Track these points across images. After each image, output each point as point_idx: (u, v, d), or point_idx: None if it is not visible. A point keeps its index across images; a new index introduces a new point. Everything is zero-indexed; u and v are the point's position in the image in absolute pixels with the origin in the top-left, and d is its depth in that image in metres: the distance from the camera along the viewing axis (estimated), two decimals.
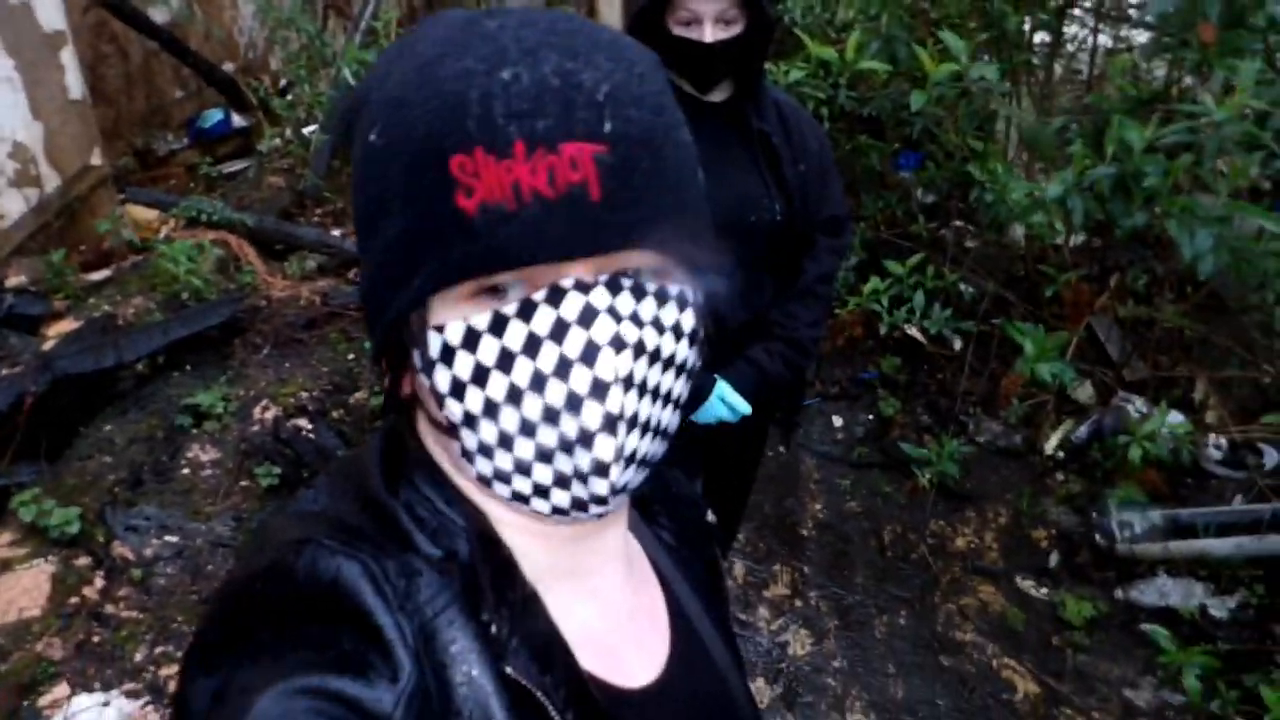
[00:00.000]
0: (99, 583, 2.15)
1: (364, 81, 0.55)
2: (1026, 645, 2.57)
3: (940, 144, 3.35)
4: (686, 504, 0.78)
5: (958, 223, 3.78)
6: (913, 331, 3.52)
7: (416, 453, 0.58)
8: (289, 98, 4.85)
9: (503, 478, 0.54)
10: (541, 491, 0.54)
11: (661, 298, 0.53)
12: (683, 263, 0.54)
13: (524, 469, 0.53)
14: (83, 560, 2.16)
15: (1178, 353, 3.13)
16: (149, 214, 4.13)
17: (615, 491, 0.53)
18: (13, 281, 3.38)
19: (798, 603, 2.73)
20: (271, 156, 4.59)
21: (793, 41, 3.34)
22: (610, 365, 0.50)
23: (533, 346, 0.50)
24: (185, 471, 2.59)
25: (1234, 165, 1.95)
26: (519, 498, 0.54)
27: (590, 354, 0.50)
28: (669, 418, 0.57)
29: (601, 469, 0.51)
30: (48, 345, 2.96)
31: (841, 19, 3.73)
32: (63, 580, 2.10)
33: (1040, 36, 3.27)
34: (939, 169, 3.45)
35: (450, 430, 0.54)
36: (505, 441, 0.52)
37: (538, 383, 0.50)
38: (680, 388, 0.57)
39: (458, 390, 0.52)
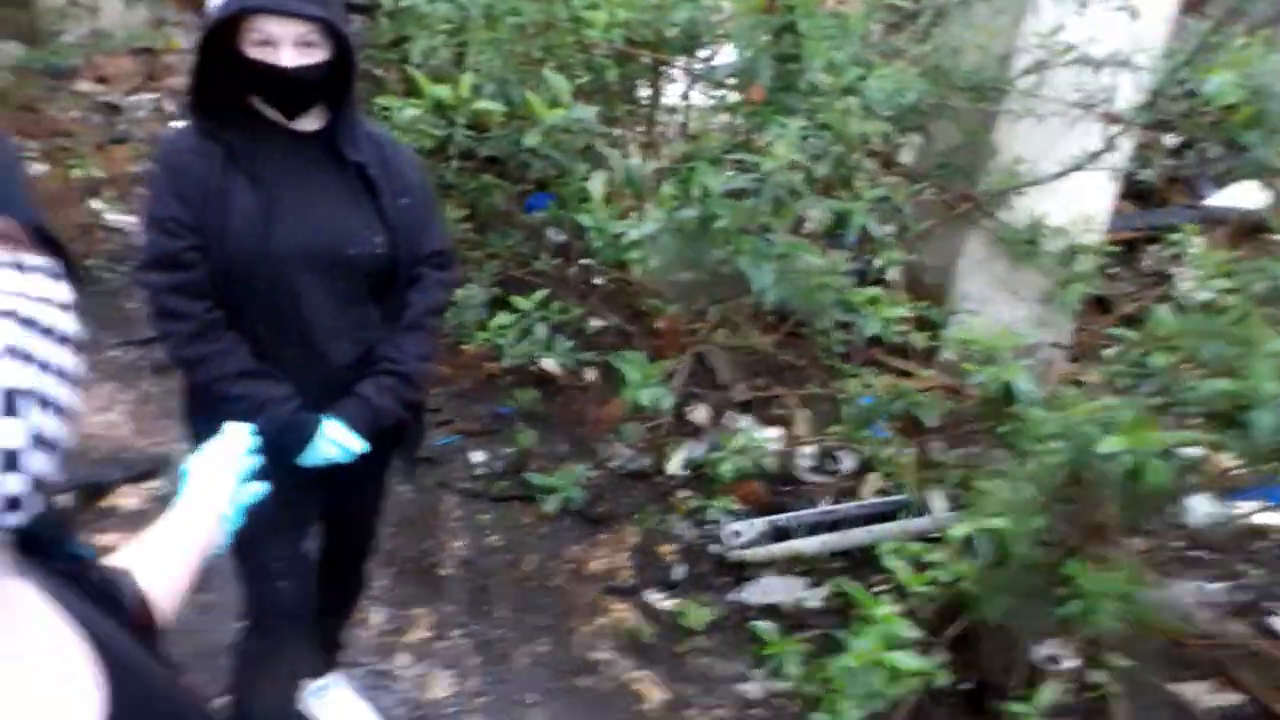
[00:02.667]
0: None
1: None
2: (656, 656, 2.73)
3: (559, 185, 3.53)
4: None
5: (584, 260, 3.99)
6: (547, 364, 3.65)
7: None
8: None
9: None
10: None
11: (23, 267, 0.51)
12: (33, 233, 0.53)
13: None
14: None
15: (772, 375, 3.54)
16: None
17: (35, 488, 0.49)
18: None
19: (439, 644, 2.68)
20: None
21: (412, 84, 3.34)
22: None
23: None
24: None
25: (785, 209, 2.24)
26: None
27: None
28: (64, 404, 0.53)
29: (10, 461, 0.47)
30: None
31: (469, 62, 3.81)
32: None
33: (643, 90, 3.57)
34: (563, 209, 3.62)
35: None
36: None
37: None
38: (70, 368, 0.54)
39: None
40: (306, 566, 1.92)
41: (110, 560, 0.91)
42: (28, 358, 0.49)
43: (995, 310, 3.31)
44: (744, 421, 3.48)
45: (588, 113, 2.47)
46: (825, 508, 3.15)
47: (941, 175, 3.39)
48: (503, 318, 3.08)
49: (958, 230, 3.43)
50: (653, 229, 2.34)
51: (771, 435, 3.20)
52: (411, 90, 3.45)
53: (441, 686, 2.53)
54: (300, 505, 1.80)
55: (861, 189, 2.75)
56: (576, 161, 2.99)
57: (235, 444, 1.16)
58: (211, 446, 1.15)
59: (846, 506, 3.06)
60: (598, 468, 3.39)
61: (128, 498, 2.99)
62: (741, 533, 3.03)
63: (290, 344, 1.68)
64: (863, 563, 2.96)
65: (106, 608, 0.70)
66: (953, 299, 3.43)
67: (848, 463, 3.43)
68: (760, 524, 3.05)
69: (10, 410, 0.47)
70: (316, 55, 1.54)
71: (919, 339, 2.61)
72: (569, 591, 2.93)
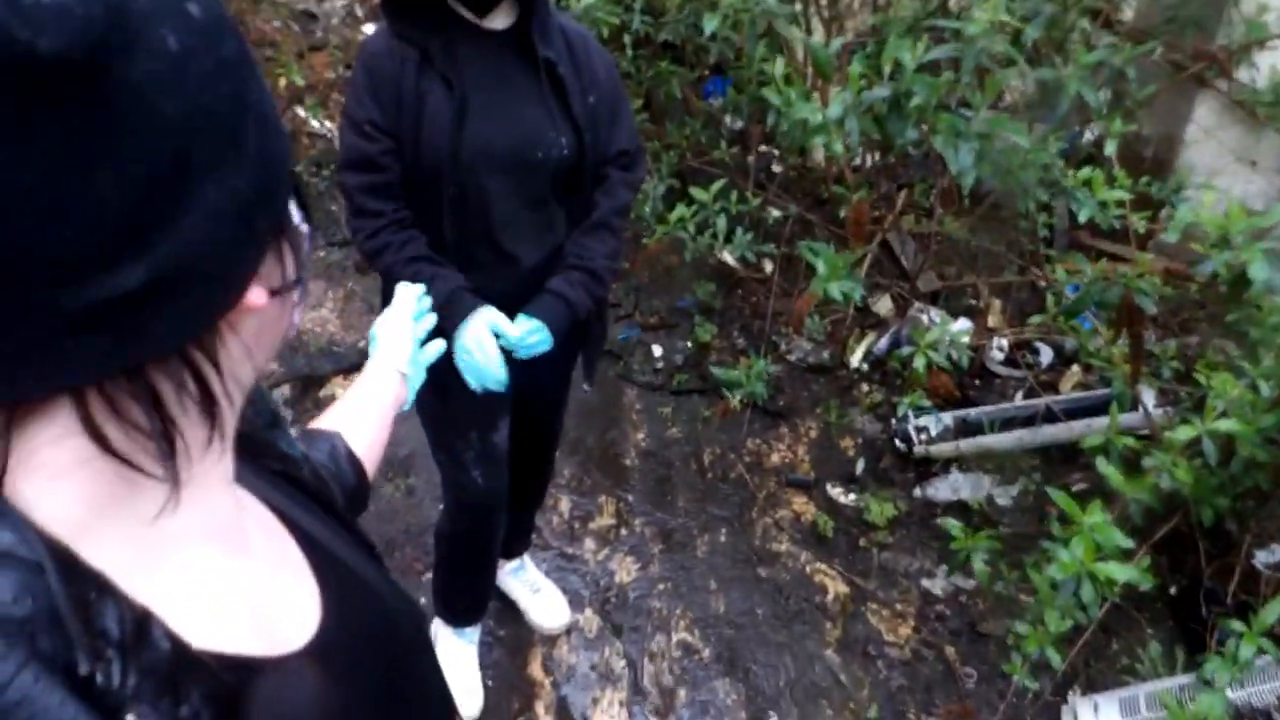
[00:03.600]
0: None
1: None
2: (836, 549, 2.71)
3: (739, 68, 3.39)
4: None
5: (762, 148, 3.85)
6: (725, 257, 3.59)
7: None
8: None
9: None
10: None
11: None
12: None
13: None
14: None
15: (962, 263, 3.33)
16: None
17: None
18: None
19: (623, 532, 2.77)
20: None
21: None
22: None
23: None
24: None
25: (989, 80, 2.04)
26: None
27: None
28: None
29: None
30: None
31: None
32: None
33: None
34: (741, 94, 3.48)
35: (299, 279, 0.56)
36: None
37: None
38: None
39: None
40: (500, 456, 1.99)
41: (314, 424, 0.97)
42: None
43: (1228, 184, 2.94)
44: (932, 313, 3.31)
45: None
46: (1019, 403, 2.98)
47: (1170, 30, 2.99)
48: (681, 210, 3.03)
49: (1186, 95, 3.05)
50: (840, 111, 2.20)
51: (962, 327, 3.03)
52: None
53: (626, 571, 2.63)
54: (491, 398, 1.83)
55: (1077, 53, 2.47)
56: (757, 44, 2.85)
57: (406, 304, 1.20)
58: (389, 311, 1.19)
59: (1042, 401, 2.88)
60: (778, 361, 3.34)
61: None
62: (928, 427, 2.92)
63: (480, 245, 1.69)
64: (1059, 461, 2.80)
65: (319, 506, 0.72)
66: (1178, 173, 3.07)
67: (1045, 356, 3.22)
68: (948, 419, 2.93)
69: None
70: None
71: (1138, 220, 2.36)
72: (749, 483, 2.94)
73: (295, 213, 0.54)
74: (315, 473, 0.77)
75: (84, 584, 0.46)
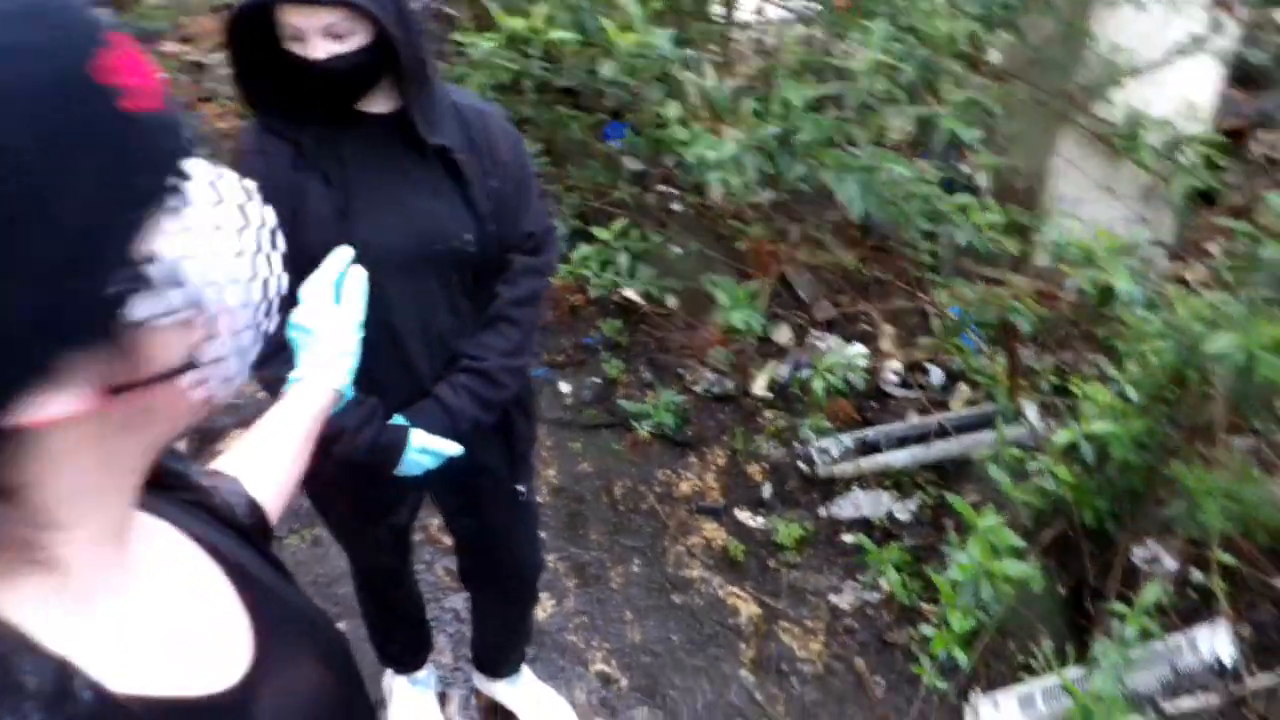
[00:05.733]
0: None
1: None
2: (747, 572, 2.77)
3: (637, 112, 3.49)
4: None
5: (661, 187, 3.96)
6: (629, 294, 3.66)
7: None
8: None
9: (236, 372, 0.55)
10: (241, 369, 0.55)
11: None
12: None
13: (244, 349, 0.54)
14: None
15: (855, 291, 3.48)
16: None
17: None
18: None
19: None
20: None
21: (484, 15, 3.33)
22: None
23: (216, 224, 0.51)
24: None
25: (869, 119, 2.18)
26: (226, 387, 0.54)
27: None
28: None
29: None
30: None
31: None
32: None
33: (717, 8, 3.48)
34: (640, 137, 3.58)
35: (190, 362, 0.51)
36: (236, 322, 0.53)
37: (239, 248, 0.53)
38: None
39: (200, 299, 0.50)
40: (400, 536, 1.93)
41: (219, 463, 0.92)
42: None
43: (1091, 211, 3.17)
44: (829, 340, 3.45)
45: (663, 38, 2.42)
46: (913, 421, 3.11)
47: (1034, 72, 3.23)
48: (584, 249, 3.10)
49: (1050, 130, 3.28)
50: (735, 149, 2.31)
51: (857, 351, 3.17)
52: (484, 24, 3.45)
53: (541, 609, 2.63)
54: (393, 488, 1.68)
55: (948, 93, 2.65)
56: (653, 88, 2.95)
57: (330, 272, 1.12)
58: (309, 284, 1.10)
59: (935, 418, 3.02)
60: (684, 392, 3.41)
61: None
62: (829, 449, 3.02)
63: (380, 355, 1.41)
64: (952, 475, 2.94)
65: (232, 530, 0.72)
66: (1046, 203, 3.30)
67: (935, 376, 3.38)
68: (848, 440, 3.04)
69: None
70: (352, 42, 1.33)
71: (1011, 245, 2.53)
72: (660, 513, 2.98)
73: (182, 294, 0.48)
74: (225, 501, 0.76)
75: (3, 644, 0.45)
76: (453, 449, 1.54)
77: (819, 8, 3.04)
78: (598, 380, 3.53)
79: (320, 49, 1.32)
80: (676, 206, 4.20)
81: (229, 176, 0.53)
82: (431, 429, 1.55)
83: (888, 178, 2.45)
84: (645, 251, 3.30)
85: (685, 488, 3.10)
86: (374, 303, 1.27)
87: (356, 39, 1.33)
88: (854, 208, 2.33)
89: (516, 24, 2.92)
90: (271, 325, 0.56)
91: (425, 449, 1.53)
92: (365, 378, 1.28)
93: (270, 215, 0.56)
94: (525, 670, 2.32)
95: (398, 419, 1.56)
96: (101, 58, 0.42)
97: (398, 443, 1.52)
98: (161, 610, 0.56)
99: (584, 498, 3.05)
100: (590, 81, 3.42)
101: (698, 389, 3.45)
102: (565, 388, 3.52)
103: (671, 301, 3.79)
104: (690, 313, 3.57)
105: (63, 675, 0.46)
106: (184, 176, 0.48)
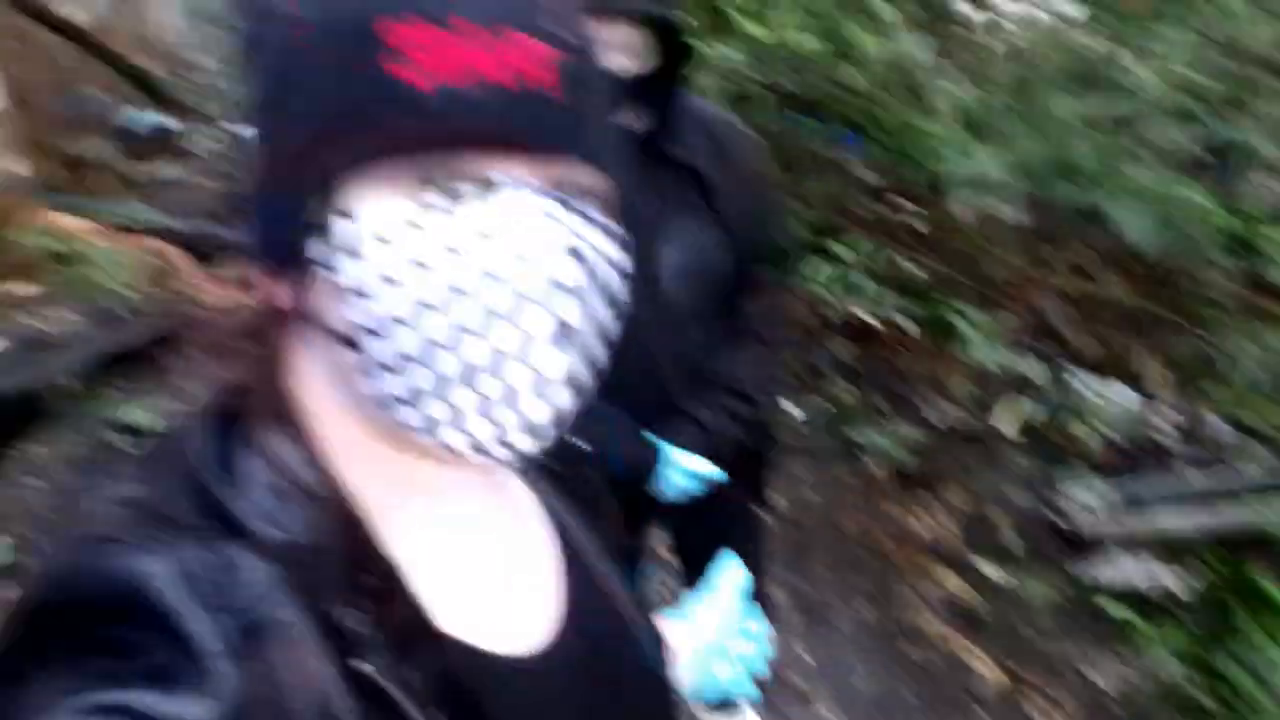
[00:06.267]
0: None
1: None
2: (989, 630, 2.55)
3: (880, 122, 3.32)
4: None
5: (902, 201, 3.75)
6: (863, 315, 3.49)
7: (274, 398, 0.51)
8: (220, 97, 4.70)
9: (412, 398, 0.47)
10: (457, 418, 0.47)
11: (608, 231, 0.51)
12: (613, 188, 0.52)
13: (440, 388, 0.46)
14: (16, 593, 2.05)
15: (1124, 326, 3.13)
16: (78, 223, 3.98)
17: (554, 423, 0.49)
18: None
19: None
20: (200, 158, 4.45)
21: (723, 21, 3.28)
22: (569, 272, 0.47)
23: (472, 242, 0.46)
24: None
25: (1168, 138, 1.93)
26: (428, 426, 0.48)
27: (541, 255, 0.46)
28: (601, 360, 0.52)
29: (545, 387, 0.47)
30: None
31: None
32: None
33: (966, 8, 3.24)
34: (881, 147, 3.41)
35: (355, 341, 0.47)
36: (424, 353, 0.46)
37: (476, 283, 0.45)
38: (613, 331, 0.52)
39: (373, 289, 0.46)
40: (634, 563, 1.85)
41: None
42: (582, 300, 0.48)
43: None
44: (1089, 378, 3.12)
45: (918, 46, 2.26)
46: (1192, 480, 2.75)
47: None
48: (822, 267, 2.97)
49: None
50: (997, 169, 2.11)
51: (1126, 396, 2.84)
52: (718, 26, 3.39)
53: None
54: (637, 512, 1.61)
55: (1256, 108, 2.31)
56: (902, 96, 2.78)
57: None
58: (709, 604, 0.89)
59: (1222, 479, 2.65)
60: (920, 424, 3.21)
61: None
62: (1089, 503, 2.73)
63: (626, 364, 1.42)
64: (1245, 547, 2.56)
65: (583, 507, 0.71)
66: None
67: (1221, 429, 2.98)
68: (1111, 494, 2.74)
69: (559, 342, 0.47)
70: (638, 60, 1.33)
71: None
72: (891, 553, 2.81)
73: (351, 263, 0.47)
74: (586, 477, 0.75)
75: (352, 527, 0.50)
76: (715, 473, 1.49)
77: (1087, 9, 2.75)
78: (827, 405, 3.39)
79: (611, 63, 1.31)
80: (917, 223, 3.97)
81: (542, 239, 0.47)
82: (691, 450, 1.49)
83: (1179, 204, 2.17)
84: (885, 271, 3.13)
85: (919, 528, 2.90)
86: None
87: (640, 57, 1.32)
88: (1135, 236, 2.07)
89: (760, 32, 2.83)
90: (513, 419, 0.49)
91: (686, 470, 1.48)
92: (608, 385, 1.23)
93: (570, 312, 0.48)
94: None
95: (667, 443, 1.51)
96: (392, 25, 0.45)
97: (653, 461, 1.48)
98: (489, 555, 0.58)
99: (810, 528, 2.93)
100: (833, 90, 3.29)
101: (936, 422, 3.23)
102: (793, 411, 3.41)
103: (910, 326, 3.59)
104: (931, 339, 3.35)
105: (393, 582, 0.50)
106: (457, 176, 0.46)
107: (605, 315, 0.51)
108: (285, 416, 0.51)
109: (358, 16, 0.45)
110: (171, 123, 5.08)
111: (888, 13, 2.36)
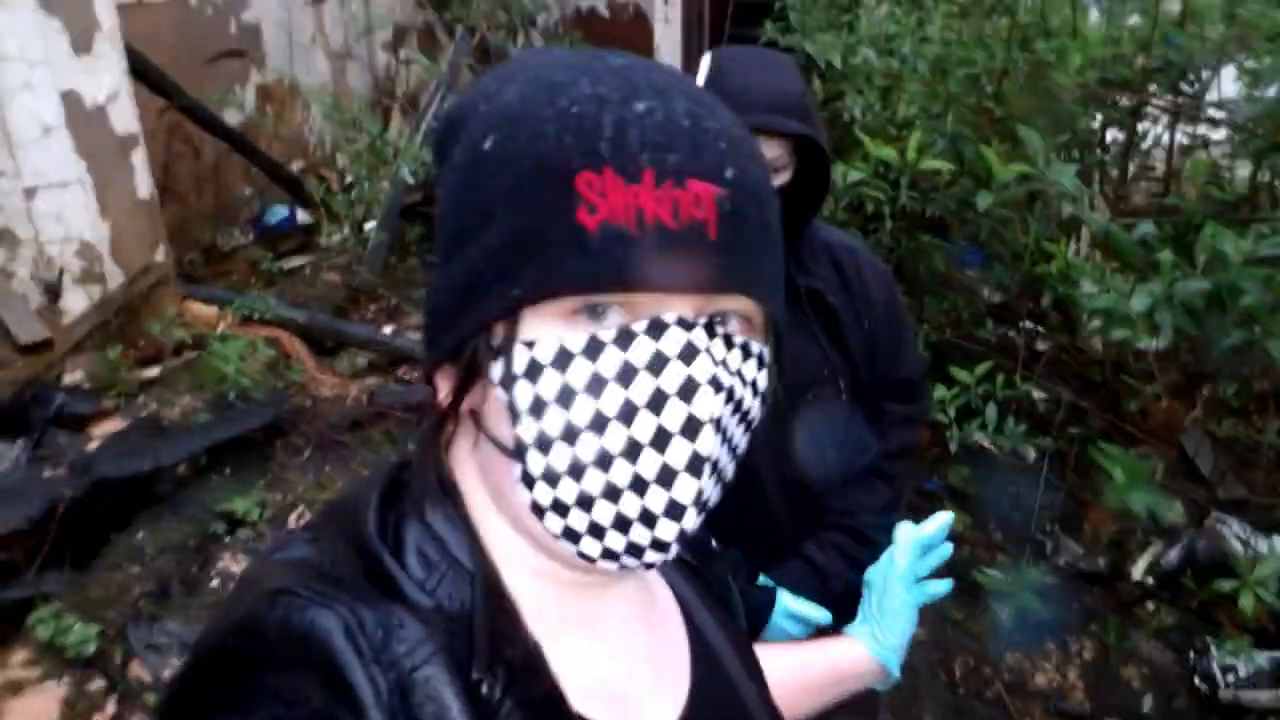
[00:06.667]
0: (111, 709, 2.04)
1: (466, 97, 0.56)
2: None
3: (1007, 244, 3.20)
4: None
5: (1027, 324, 3.59)
6: (978, 438, 3.31)
7: (438, 482, 0.57)
8: (350, 195, 4.93)
9: (560, 509, 0.52)
10: (597, 531, 0.52)
11: (746, 351, 0.54)
12: (771, 317, 0.57)
13: (586, 503, 0.51)
14: (96, 684, 2.06)
15: (1277, 472, 2.87)
16: (209, 310, 4.17)
17: (680, 539, 0.52)
18: (69, 379, 3.39)
19: None
20: (329, 253, 4.64)
21: (850, 140, 3.26)
22: (707, 405, 0.50)
23: (627, 375, 0.50)
24: (214, 584, 2.50)
25: None
26: (570, 534, 0.53)
27: (688, 391, 0.50)
28: (729, 473, 0.57)
29: (676, 511, 0.51)
30: (92, 445, 2.93)
31: (902, 116, 3.65)
32: (73, 705, 1.99)
33: (1112, 134, 3.13)
34: (1007, 269, 3.29)
35: (516, 452, 0.52)
36: (576, 470, 0.51)
37: (627, 413, 0.50)
38: (743, 446, 0.58)
39: (538, 409, 0.51)
40: None
41: None
42: (724, 433, 0.53)
43: None
44: (1236, 525, 2.86)
45: (1067, 172, 2.16)
46: None
47: None
48: (942, 391, 2.83)
49: None
50: (1148, 303, 1.97)
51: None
52: (841, 149, 3.37)
53: None
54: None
55: None
56: (1043, 222, 2.67)
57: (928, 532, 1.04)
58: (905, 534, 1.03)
59: None
60: (1041, 561, 2.98)
61: None
62: (1236, 667, 2.46)
63: (737, 502, 1.34)
64: None
65: (718, 607, 0.74)
66: None
67: None
68: (1263, 659, 2.46)
69: (695, 471, 0.50)
70: (780, 177, 1.32)
71: None
72: (1010, 706, 2.58)
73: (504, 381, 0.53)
74: (721, 576, 0.79)
75: (500, 604, 0.54)
76: (822, 617, 1.39)
77: (1254, 139, 2.60)
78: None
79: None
80: (1042, 346, 3.79)
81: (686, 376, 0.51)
82: (799, 591, 1.42)
83: None
84: (1009, 398, 2.96)
85: (1041, 680, 2.66)
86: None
87: (784, 176, 1.31)
88: None
89: (888, 153, 2.78)
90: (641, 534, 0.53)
91: (793, 614, 1.39)
92: (720, 526, 1.19)
93: (708, 445, 0.51)
94: None
95: (764, 580, 1.44)
96: (592, 179, 0.48)
97: (766, 605, 1.40)
98: (624, 646, 0.61)
99: (918, 670, 2.72)
100: (960, 211, 3.20)
101: (1060, 562, 3.00)
102: None
103: (1031, 453, 3.38)
104: (1057, 470, 3.14)
105: (533, 657, 0.54)
106: (617, 309, 0.51)
107: (740, 438, 0.56)
108: (446, 498, 0.57)
109: (564, 167, 0.49)
110: (305, 217, 5.34)
111: (1036, 142, 2.26)
